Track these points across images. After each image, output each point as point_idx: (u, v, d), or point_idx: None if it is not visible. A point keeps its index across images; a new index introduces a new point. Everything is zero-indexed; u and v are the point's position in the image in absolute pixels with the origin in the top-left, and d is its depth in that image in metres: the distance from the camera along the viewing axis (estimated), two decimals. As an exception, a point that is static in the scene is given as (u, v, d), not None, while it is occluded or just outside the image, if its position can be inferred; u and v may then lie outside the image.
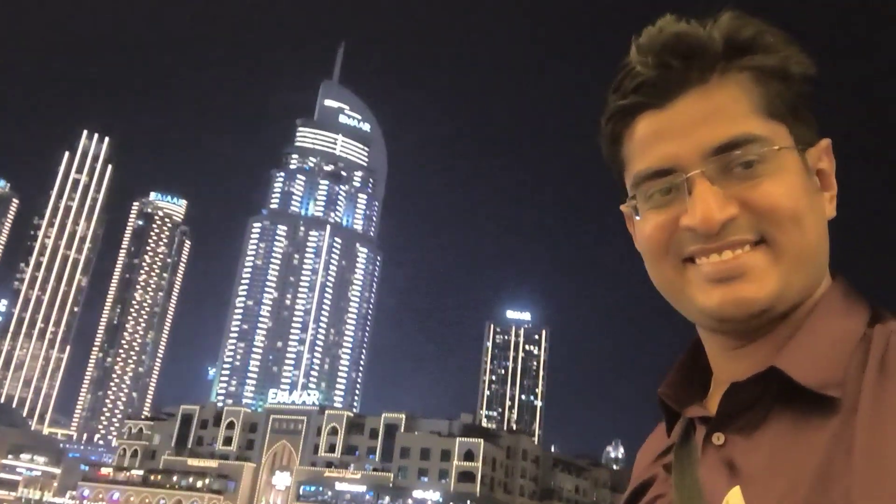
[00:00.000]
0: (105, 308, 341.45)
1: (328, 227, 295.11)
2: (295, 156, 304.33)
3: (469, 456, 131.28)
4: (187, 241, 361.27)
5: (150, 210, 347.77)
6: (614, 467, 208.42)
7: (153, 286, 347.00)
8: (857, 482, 0.65)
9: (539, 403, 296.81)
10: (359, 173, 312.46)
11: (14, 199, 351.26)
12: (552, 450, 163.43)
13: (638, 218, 0.83)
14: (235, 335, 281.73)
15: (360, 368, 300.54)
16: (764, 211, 0.76)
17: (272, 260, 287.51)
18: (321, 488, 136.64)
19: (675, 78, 0.80)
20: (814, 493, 0.66)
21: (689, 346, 0.90)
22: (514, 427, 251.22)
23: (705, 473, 0.76)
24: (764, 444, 0.73)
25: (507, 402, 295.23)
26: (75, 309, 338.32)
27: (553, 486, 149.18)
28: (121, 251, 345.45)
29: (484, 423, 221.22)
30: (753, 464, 0.72)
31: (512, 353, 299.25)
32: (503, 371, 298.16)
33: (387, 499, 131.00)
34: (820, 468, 0.67)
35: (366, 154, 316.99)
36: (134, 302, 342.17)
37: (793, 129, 0.81)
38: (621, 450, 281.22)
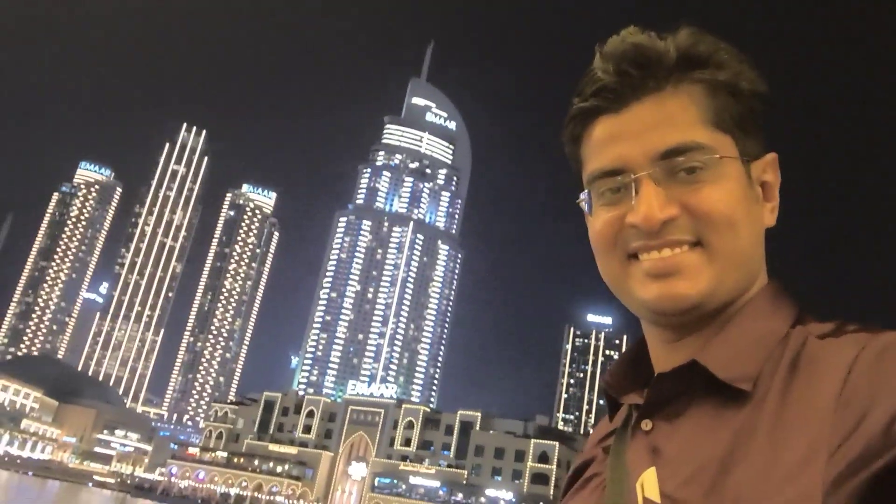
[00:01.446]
0: (197, 294, 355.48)
1: (411, 223, 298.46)
2: (381, 152, 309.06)
3: (543, 458, 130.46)
4: (276, 233, 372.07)
5: (241, 202, 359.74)
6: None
7: (242, 275, 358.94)
8: (753, 466, 0.72)
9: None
10: (443, 171, 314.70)
11: (118, 188, 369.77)
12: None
13: (589, 214, 0.90)
14: (318, 326, 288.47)
15: (438, 364, 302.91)
16: (701, 214, 0.82)
17: (356, 254, 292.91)
18: (396, 481, 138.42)
19: (632, 85, 0.85)
20: (718, 475, 0.73)
21: (636, 341, 0.99)
22: (591, 431, 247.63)
23: (631, 456, 0.83)
24: (683, 430, 0.80)
25: (585, 407, 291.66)
26: (170, 294, 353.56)
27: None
28: (213, 240, 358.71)
29: (560, 427, 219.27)
30: (671, 448, 0.79)
31: (591, 358, 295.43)
32: (581, 375, 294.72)
33: (460, 495, 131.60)
34: (725, 453, 0.74)
35: (450, 152, 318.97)
36: (224, 290, 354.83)
37: (738, 141, 0.86)
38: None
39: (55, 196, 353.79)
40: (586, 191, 0.91)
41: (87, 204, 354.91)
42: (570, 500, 0.97)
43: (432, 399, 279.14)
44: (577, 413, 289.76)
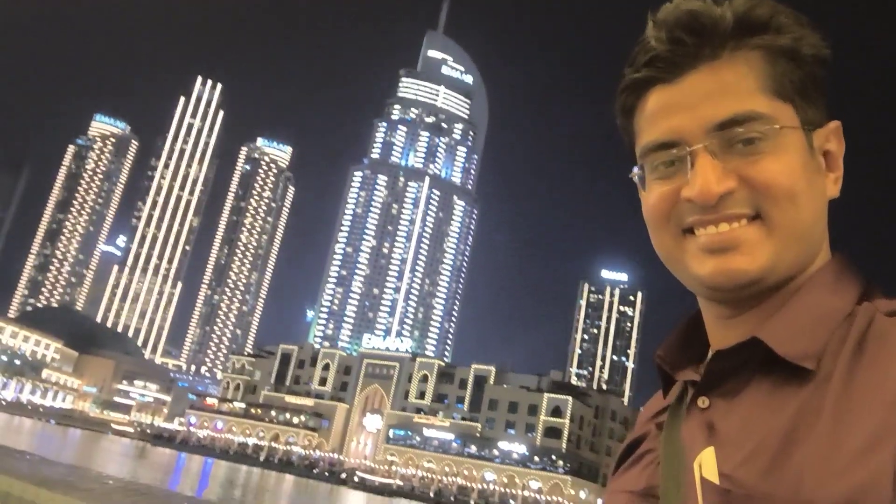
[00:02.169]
0: (213, 248, 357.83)
1: (427, 178, 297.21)
2: (397, 106, 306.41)
3: (557, 412, 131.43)
4: (291, 187, 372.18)
5: (256, 155, 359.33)
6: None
7: (258, 229, 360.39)
8: (817, 447, 0.69)
9: (630, 365, 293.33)
10: (459, 126, 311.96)
11: (133, 142, 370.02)
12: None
13: (643, 189, 0.86)
14: (334, 280, 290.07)
15: (453, 319, 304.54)
16: (761, 187, 0.78)
17: (371, 208, 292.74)
18: (410, 433, 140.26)
19: (686, 54, 0.82)
20: (779, 454, 0.71)
21: (691, 314, 0.93)
22: (604, 387, 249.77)
23: (686, 433, 0.81)
24: (741, 408, 0.77)
25: (598, 362, 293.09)
26: (187, 248, 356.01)
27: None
28: (229, 194, 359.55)
29: (573, 382, 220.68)
30: (729, 426, 0.77)
31: (605, 314, 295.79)
32: (595, 331, 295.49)
33: (473, 448, 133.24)
34: (787, 433, 0.71)
35: (467, 106, 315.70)
36: (240, 243, 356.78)
37: (799, 109, 0.83)
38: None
39: (71, 149, 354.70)
40: (639, 164, 0.88)
41: (102, 157, 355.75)
42: (621, 475, 0.95)
43: (447, 353, 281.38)
44: (590, 368, 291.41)
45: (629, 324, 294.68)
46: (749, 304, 0.82)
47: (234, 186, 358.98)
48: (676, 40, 0.82)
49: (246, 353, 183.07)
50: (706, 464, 0.76)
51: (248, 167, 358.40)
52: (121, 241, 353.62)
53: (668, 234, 0.84)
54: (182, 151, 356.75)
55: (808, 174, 0.81)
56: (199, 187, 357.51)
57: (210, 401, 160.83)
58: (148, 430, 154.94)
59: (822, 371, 0.73)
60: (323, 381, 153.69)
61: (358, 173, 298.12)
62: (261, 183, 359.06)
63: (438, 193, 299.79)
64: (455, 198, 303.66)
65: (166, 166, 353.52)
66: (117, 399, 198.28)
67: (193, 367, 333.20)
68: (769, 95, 0.81)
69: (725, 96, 0.80)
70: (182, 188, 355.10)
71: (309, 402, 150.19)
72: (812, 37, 0.83)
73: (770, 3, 0.83)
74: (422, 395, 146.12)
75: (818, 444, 0.69)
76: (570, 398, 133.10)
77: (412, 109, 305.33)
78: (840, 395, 0.70)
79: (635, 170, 0.88)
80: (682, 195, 0.82)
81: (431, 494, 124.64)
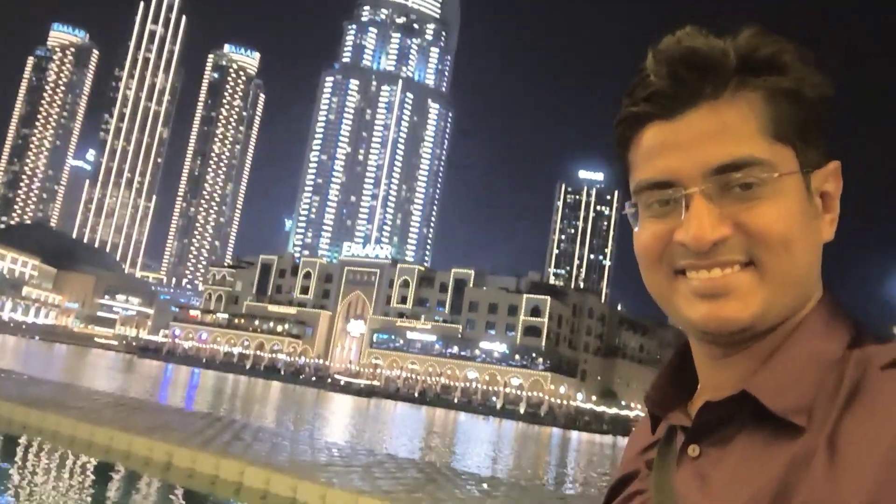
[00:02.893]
0: (186, 159, 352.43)
1: (400, 81, 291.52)
2: (367, 7, 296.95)
3: (536, 312, 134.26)
4: (261, 95, 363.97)
5: (224, 62, 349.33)
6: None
7: (230, 139, 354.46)
8: (807, 500, 0.68)
9: (608, 263, 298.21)
10: (431, 26, 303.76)
11: (94, 51, 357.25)
12: (618, 309, 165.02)
13: (636, 227, 0.85)
14: (310, 189, 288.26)
15: (432, 224, 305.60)
16: (756, 234, 0.78)
17: (345, 115, 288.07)
18: (393, 336, 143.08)
19: (687, 91, 0.80)
20: None
21: (679, 348, 0.93)
22: (582, 286, 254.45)
23: (680, 483, 0.80)
24: (732, 459, 0.76)
25: (576, 262, 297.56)
26: (159, 160, 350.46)
27: (618, 343, 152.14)
28: (198, 104, 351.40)
29: (551, 282, 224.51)
30: (720, 477, 0.76)
31: (582, 213, 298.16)
32: (573, 231, 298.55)
33: (455, 348, 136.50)
34: (779, 488, 0.71)
35: (438, 5, 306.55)
36: (213, 154, 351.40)
37: (800, 151, 0.81)
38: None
39: (30, 60, 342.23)
40: (632, 200, 0.86)
41: (63, 68, 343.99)
42: None
43: (426, 258, 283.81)
44: (567, 268, 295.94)
45: (606, 223, 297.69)
46: (741, 347, 0.82)
47: (202, 96, 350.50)
48: (677, 77, 0.80)
49: (226, 265, 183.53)
50: None
51: (216, 75, 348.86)
52: (90, 155, 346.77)
53: (660, 274, 0.84)
54: (146, 60, 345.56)
55: (805, 220, 0.80)
56: (166, 97, 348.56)
57: (193, 312, 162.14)
58: (133, 343, 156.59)
59: (813, 424, 0.73)
60: (305, 290, 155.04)
61: (329, 78, 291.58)
62: (230, 91, 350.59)
63: (412, 97, 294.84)
64: (429, 101, 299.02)
65: (131, 76, 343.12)
66: (101, 314, 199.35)
67: (174, 280, 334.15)
68: (769, 139, 0.79)
69: (725, 139, 0.79)
70: (149, 99, 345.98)
71: (292, 310, 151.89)
72: (815, 77, 0.81)
73: (773, 40, 0.81)
74: (403, 300, 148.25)
75: (809, 496, 0.69)
76: (548, 298, 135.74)
77: (382, 10, 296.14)
78: (830, 452, 0.70)
79: (628, 205, 0.87)
80: (675, 238, 0.81)
81: (416, 394, 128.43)
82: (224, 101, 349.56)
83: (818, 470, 0.70)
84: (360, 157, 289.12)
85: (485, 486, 19.41)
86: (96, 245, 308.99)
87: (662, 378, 0.91)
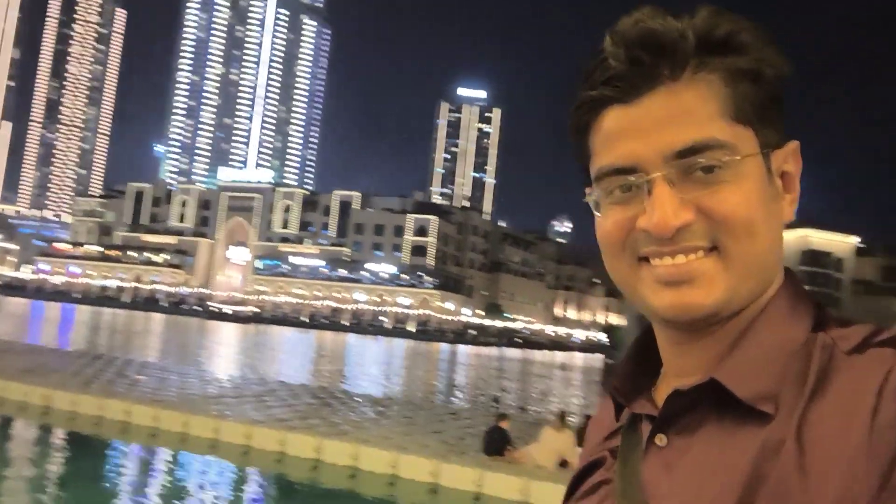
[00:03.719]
0: (41, 82, 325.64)
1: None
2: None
3: (422, 231, 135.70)
4: (120, 10, 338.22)
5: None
6: (560, 241, 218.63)
7: (89, 59, 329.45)
8: (778, 490, 0.68)
9: (490, 181, 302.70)
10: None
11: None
12: (501, 225, 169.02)
13: (598, 213, 0.83)
14: (182, 112, 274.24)
15: (312, 146, 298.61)
16: (719, 219, 0.76)
17: (213, 32, 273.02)
18: (278, 262, 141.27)
19: (645, 74, 0.77)
20: (738, 497, 0.70)
21: (641, 333, 0.92)
22: (466, 204, 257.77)
23: (647, 473, 0.79)
24: (699, 447, 0.76)
25: (459, 180, 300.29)
26: (11, 84, 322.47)
27: (502, 258, 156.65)
28: (48, 20, 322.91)
29: (436, 201, 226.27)
30: (687, 467, 0.76)
31: (465, 132, 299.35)
32: (455, 149, 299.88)
33: (342, 271, 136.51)
34: (749, 474, 0.70)
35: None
36: (69, 75, 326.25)
37: (759, 132, 0.79)
38: (568, 224, 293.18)
39: None
40: (594, 186, 0.82)
41: None
42: (577, 503, 0.90)
43: (309, 181, 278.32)
44: (451, 186, 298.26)
45: (487, 140, 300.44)
46: (705, 332, 0.81)
47: (54, 11, 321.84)
48: (635, 59, 0.77)
49: (95, 195, 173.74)
50: None
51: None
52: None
53: (623, 262, 0.81)
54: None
55: (766, 202, 0.79)
56: (14, 13, 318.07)
57: (61, 246, 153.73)
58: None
59: (781, 411, 0.73)
60: (182, 218, 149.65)
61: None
62: (84, 6, 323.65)
63: (286, 13, 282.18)
64: (305, 18, 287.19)
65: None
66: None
67: (39, 214, 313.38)
68: (729, 120, 0.77)
69: (685, 122, 0.76)
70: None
71: (170, 239, 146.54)
72: (774, 56, 0.79)
73: (731, 19, 0.78)
74: (286, 225, 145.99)
75: (779, 491, 0.68)
76: (433, 217, 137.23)
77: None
78: (799, 440, 0.70)
79: (589, 192, 0.84)
80: (638, 225, 0.78)
81: (307, 319, 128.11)
82: (78, 16, 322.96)
83: (789, 458, 0.69)
84: (234, 78, 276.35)
85: (379, 406, 19.76)
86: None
87: (626, 365, 0.90)
